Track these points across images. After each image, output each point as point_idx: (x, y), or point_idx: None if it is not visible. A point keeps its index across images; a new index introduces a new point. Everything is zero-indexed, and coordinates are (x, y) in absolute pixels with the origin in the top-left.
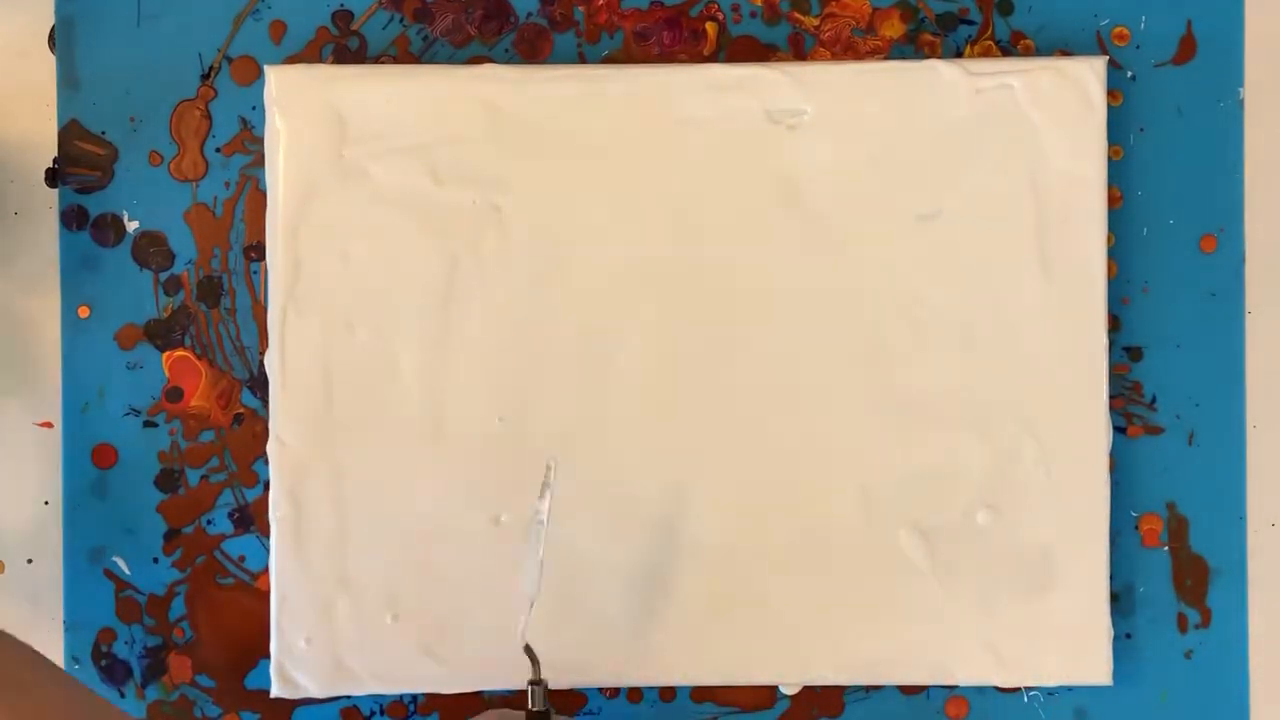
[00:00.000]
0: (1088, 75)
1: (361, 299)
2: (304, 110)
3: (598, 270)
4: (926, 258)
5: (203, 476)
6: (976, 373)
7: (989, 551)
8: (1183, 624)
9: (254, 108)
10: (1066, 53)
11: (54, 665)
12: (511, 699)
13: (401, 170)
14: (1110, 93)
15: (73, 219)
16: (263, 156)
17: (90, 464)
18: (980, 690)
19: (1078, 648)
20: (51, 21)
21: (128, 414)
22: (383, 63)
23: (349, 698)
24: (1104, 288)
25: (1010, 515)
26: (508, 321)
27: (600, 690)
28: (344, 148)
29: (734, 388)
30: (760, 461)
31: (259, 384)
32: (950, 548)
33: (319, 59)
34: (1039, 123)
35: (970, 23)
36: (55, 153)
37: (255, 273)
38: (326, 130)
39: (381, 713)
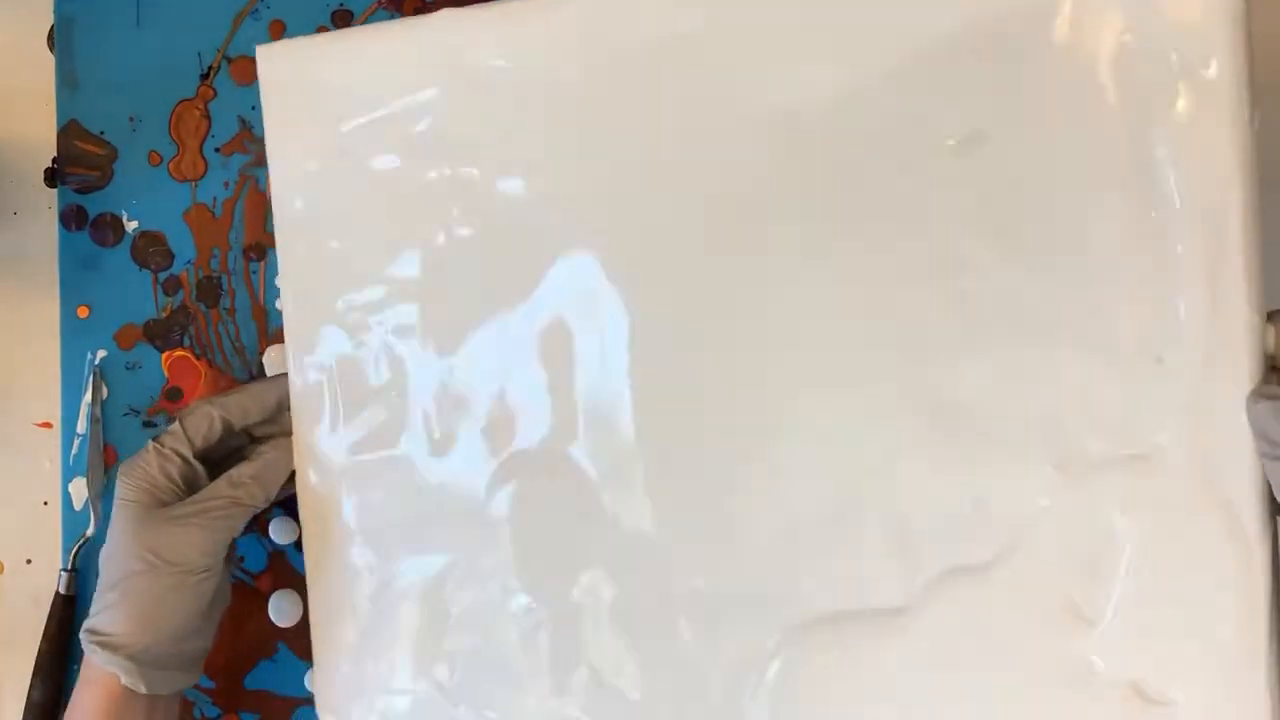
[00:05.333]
0: None
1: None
2: (296, 96)
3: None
4: (968, 207)
5: None
6: (1047, 369)
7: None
8: None
9: (253, 107)
10: None
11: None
12: None
13: (385, 149)
14: None
15: (72, 219)
16: (262, 156)
17: None
18: None
19: None
20: (51, 21)
21: (127, 414)
22: None
23: None
24: (1247, 236)
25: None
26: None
27: None
28: (334, 128)
29: (745, 377)
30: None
31: None
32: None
33: None
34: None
35: None
36: (55, 153)
37: (255, 273)
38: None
39: None
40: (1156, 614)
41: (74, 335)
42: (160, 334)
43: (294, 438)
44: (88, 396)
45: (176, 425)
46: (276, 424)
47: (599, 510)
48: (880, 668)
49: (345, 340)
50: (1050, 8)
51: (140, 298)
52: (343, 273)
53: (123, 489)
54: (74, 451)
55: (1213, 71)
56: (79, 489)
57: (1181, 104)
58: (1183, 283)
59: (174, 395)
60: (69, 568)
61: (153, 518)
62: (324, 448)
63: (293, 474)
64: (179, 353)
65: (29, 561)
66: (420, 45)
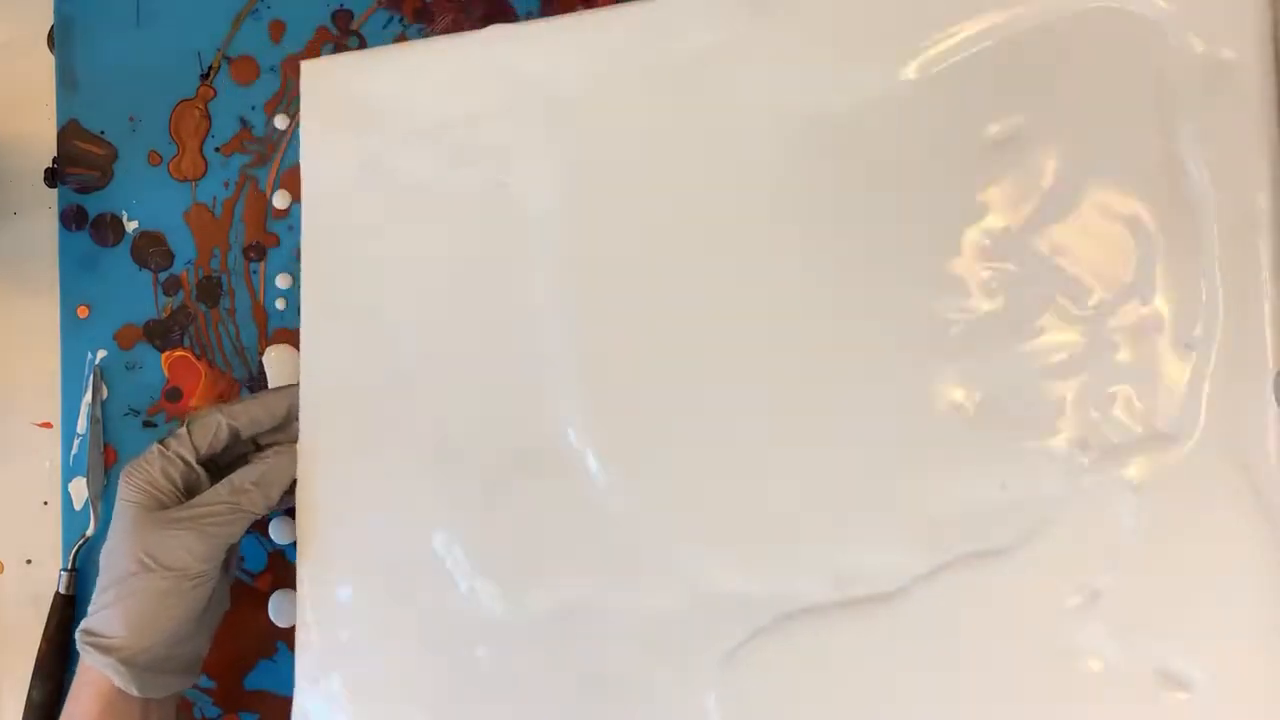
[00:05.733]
0: None
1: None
2: (335, 108)
3: (621, 250)
4: (1002, 196)
5: None
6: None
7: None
8: None
9: (253, 108)
10: None
11: None
12: None
13: (424, 158)
14: None
15: (72, 219)
16: (262, 156)
17: None
18: None
19: None
20: (51, 21)
21: (128, 414)
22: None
23: None
24: (1271, 234)
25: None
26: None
27: None
28: (372, 140)
29: (769, 387)
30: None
31: (259, 384)
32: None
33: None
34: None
35: None
36: (55, 153)
37: (255, 273)
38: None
39: None
40: (1177, 593)
41: (74, 335)
42: (160, 334)
43: (300, 444)
44: (88, 396)
45: (183, 429)
46: (284, 432)
47: (602, 505)
48: (887, 652)
49: (359, 346)
50: (1086, 11)
51: (140, 298)
52: (367, 279)
53: (124, 489)
54: (74, 451)
55: (1238, 69)
56: (79, 489)
57: (1209, 102)
58: (1211, 273)
59: (174, 395)
60: (69, 568)
61: (151, 520)
62: (328, 454)
63: (294, 482)
64: (179, 353)
65: (29, 561)
66: (470, 59)
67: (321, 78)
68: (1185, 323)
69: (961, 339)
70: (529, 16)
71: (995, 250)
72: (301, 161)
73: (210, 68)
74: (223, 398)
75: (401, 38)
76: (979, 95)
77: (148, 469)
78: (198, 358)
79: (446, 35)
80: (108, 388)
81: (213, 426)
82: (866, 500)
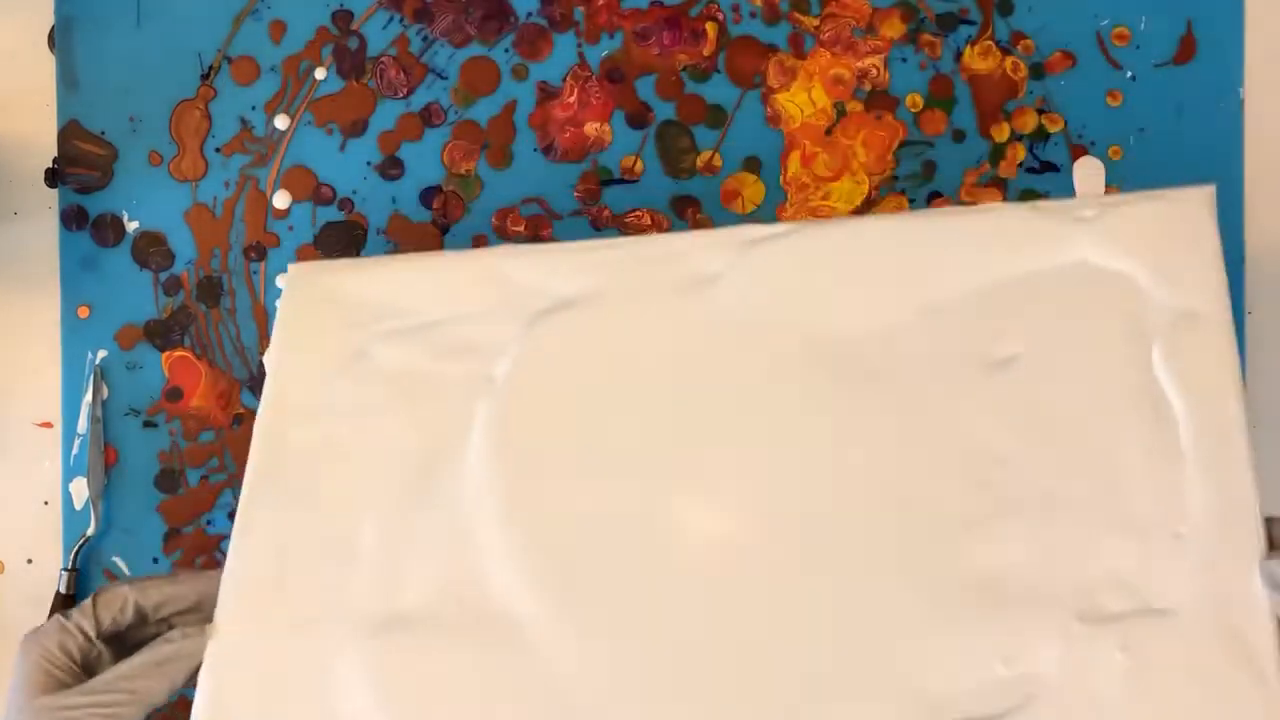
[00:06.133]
0: (1198, 207)
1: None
2: (313, 298)
3: (608, 452)
4: (1001, 410)
5: (203, 477)
6: (1071, 545)
7: None
8: None
9: (254, 108)
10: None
11: None
12: None
13: (405, 350)
14: (1110, 93)
15: (72, 219)
16: (262, 156)
17: None
18: None
19: None
20: (51, 21)
21: (128, 414)
22: (384, 77)
23: None
24: (1245, 437)
25: None
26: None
27: None
28: (350, 332)
29: (780, 579)
30: (799, 657)
31: (259, 384)
32: None
33: (319, 59)
34: (1135, 262)
35: (970, 23)
36: (55, 153)
37: (255, 273)
38: (333, 317)
39: None
40: None
41: (74, 335)
42: (160, 334)
43: (214, 626)
44: (88, 396)
45: (88, 601)
46: (196, 613)
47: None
48: None
49: (299, 531)
50: (1068, 266)
51: (140, 298)
52: (322, 465)
53: (19, 660)
54: (74, 451)
55: (1203, 309)
56: (79, 489)
57: (1178, 337)
58: (1194, 477)
59: (174, 395)
60: (69, 567)
61: (41, 708)
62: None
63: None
64: (179, 353)
65: (29, 561)
66: (466, 271)
67: (308, 277)
68: (1176, 518)
69: (959, 526)
70: (529, 17)
71: (991, 458)
72: (270, 353)
73: (211, 68)
74: (223, 398)
75: (402, 38)
76: (976, 328)
77: (45, 641)
78: (198, 358)
79: (443, 253)
80: (108, 388)
81: (118, 601)
82: (858, 680)
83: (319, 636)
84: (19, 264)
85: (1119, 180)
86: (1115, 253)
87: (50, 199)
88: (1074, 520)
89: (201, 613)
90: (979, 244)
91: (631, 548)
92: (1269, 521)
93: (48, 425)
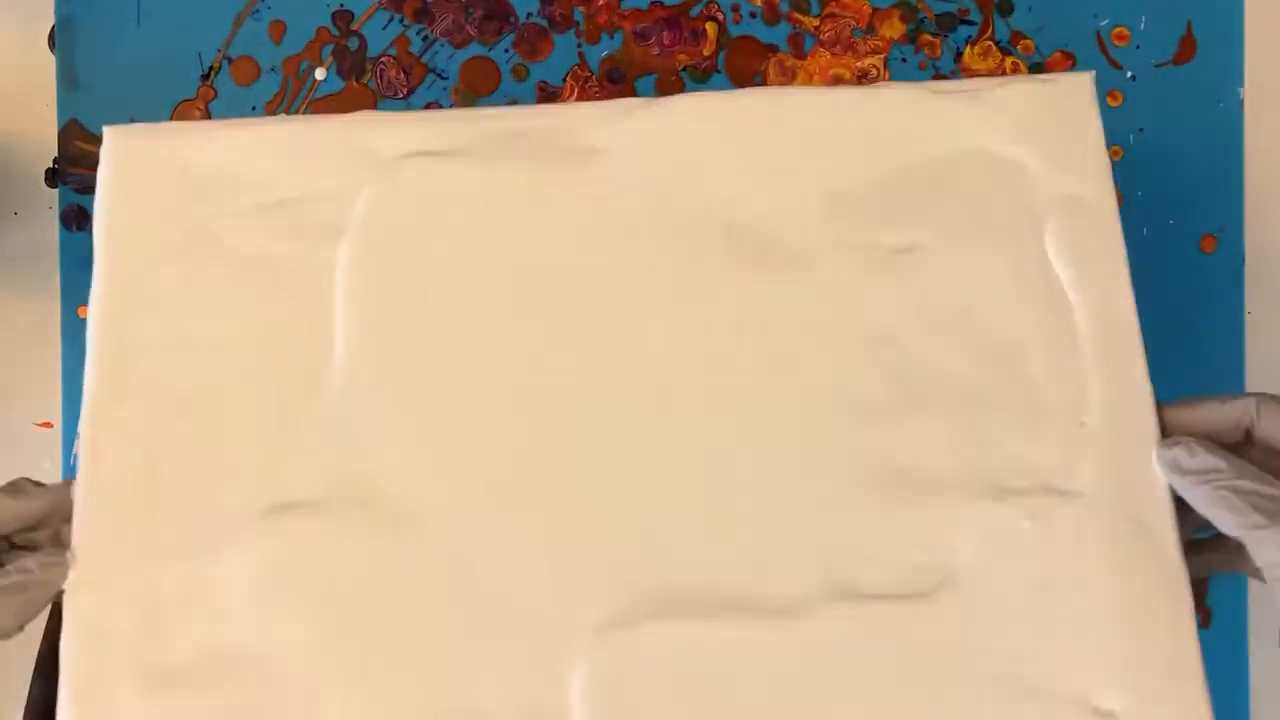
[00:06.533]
0: (1078, 91)
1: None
2: (143, 170)
3: (490, 331)
4: (902, 297)
5: None
6: (978, 428)
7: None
8: None
9: (254, 108)
10: (1053, 61)
11: None
12: None
13: (255, 229)
14: (1110, 93)
15: (73, 219)
16: None
17: None
18: None
19: None
20: (51, 21)
21: None
22: (388, 79)
23: None
24: (1136, 326)
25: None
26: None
27: None
28: (190, 208)
29: (685, 460)
30: (716, 544)
31: None
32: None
33: (319, 59)
34: (1026, 148)
35: (970, 23)
36: (55, 153)
37: None
38: (169, 191)
39: None
40: (1087, 629)
41: (74, 335)
42: None
43: (73, 550)
44: None
45: None
46: (44, 529)
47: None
48: (775, 665)
49: (159, 433)
50: (966, 152)
51: None
52: (175, 359)
53: None
54: (75, 451)
55: (1089, 195)
56: None
57: (1070, 225)
58: (1092, 367)
59: None
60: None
61: None
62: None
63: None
64: None
65: None
66: (325, 141)
67: (133, 141)
68: (1078, 408)
69: (868, 416)
70: (529, 17)
71: (899, 348)
72: (96, 230)
73: (211, 68)
74: None
75: (402, 38)
76: (878, 215)
77: None
78: None
79: (291, 118)
80: None
81: None
82: (783, 543)
83: (200, 545)
84: (19, 264)
85: (1119, 180)
86: (1008, 138)
87: (50, 199)
88: (982, 409)
89: (49, 528)
90: (880, 126)
91: (523, 422)
92: (1159, 407)
93: (48, 425)
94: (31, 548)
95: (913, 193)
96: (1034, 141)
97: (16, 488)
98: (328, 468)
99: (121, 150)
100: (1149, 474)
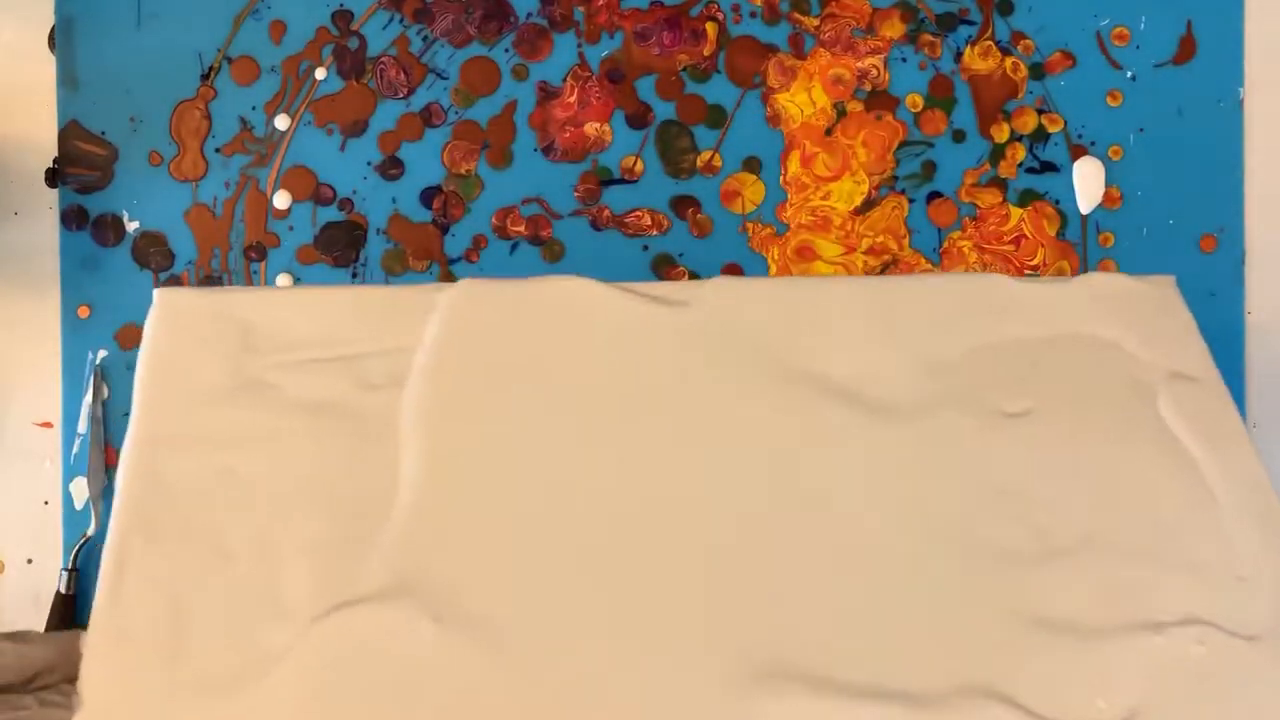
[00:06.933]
0: (1164, 289)
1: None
2: (194, 320)
3: (582, 505)
4: (1022, 454)
5: None
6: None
7: None
8: None
9: (254, 108)
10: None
11: None
12: None
13: (313, 380)
14: (1110, 93)
15: (73, 219)
16: (262, 156)
17: None
18: None
19: None
20: (51, 21)
21: (128, 414)
22: (387, 78)
23: None
24: (1267, 479)
25: None
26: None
27: None
28: (244, 357)
29: (822, 605)
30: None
31: None
32: None
33: (319, 59)
34: (1121, 332)
35: (970, 23)
36: (55, 153)
37: (255, 273)
38: (221, 341)
39: None
40: None
41: (75, 335)
42: None
43: (80, 696)
44: (88, 396)
45: None
46: (60, 678)
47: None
48: None
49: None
50: (1058, 336)
51: (141, 298)
52: (207, 499)
53: None
54: (75, 451)
55: (1193, 372)
56: (80, 489)
57: (1179, 392)
58: (1234, 523)
59: None
60: (69, 567)
61: None
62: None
63: None
64: None
65: (30, 561)
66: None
67: (184, 298)
68: (1227, 561)
69: (1012, 565)
70: (529, 17)
71: (1024, 499)
72: (139, 372)
73: (211, 68)
74: None
75: (402, 38)
76: (984, 384)
77: None
78: None
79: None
80: (108, 387)
81: None
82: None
83: (231, 684)
84: (19, 264)
85: (1119, 180)
86: (1101, 323)
87: (50, 199)
88: (1126, 561)
89: (57, 675)
90: (968, 308)
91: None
92: None
93: (48, 425)
94: (43, 688)
95: (1011, 367)
96: (1129, 327)
97: (21, 636)
98: (386, 600)
99: (171, 304)
100: None
